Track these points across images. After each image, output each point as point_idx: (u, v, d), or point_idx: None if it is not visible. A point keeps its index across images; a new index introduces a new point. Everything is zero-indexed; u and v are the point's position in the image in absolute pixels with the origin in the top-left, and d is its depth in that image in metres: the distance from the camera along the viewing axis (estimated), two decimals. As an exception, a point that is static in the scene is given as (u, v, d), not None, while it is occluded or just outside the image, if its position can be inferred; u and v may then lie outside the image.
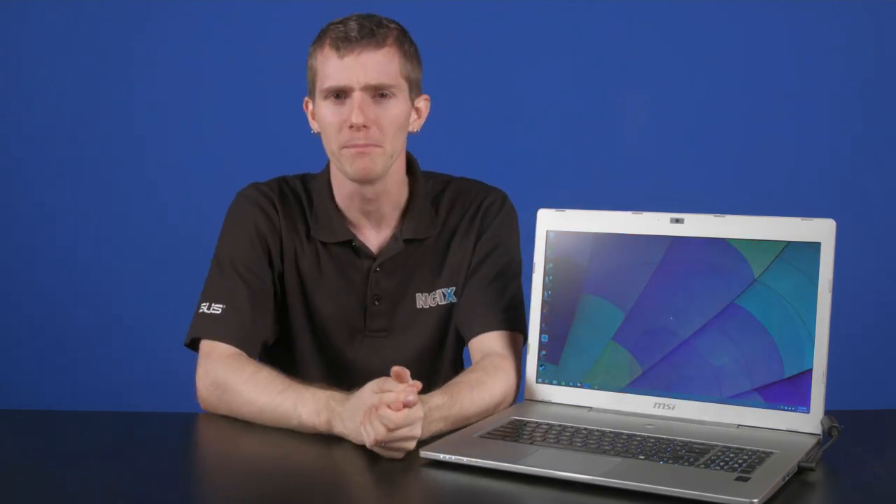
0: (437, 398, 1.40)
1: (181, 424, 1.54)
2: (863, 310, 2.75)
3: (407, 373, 1.30)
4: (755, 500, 1.07)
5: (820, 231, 1.33)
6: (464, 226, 1.70)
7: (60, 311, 2.89)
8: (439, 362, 1.72)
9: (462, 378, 1.49)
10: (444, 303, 1.69)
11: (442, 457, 1.23)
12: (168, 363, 2.92)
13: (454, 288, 1.69)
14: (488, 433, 1.32)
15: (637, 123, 2.87)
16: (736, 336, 1.36)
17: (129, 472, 1.25)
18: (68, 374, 2.85)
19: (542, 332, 1.48)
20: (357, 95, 1.54)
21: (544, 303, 1.49)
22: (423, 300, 1.68)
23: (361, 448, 1.31)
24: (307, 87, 1.63)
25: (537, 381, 1.48)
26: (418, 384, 1.30)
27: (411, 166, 1.71)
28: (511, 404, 1.52)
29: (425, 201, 1.69)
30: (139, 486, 1.20)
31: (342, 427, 1.36)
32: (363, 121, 1.53)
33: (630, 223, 1.45)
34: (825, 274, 1.32)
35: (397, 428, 1.26)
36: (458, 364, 1.76)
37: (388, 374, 1.34)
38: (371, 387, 1.32)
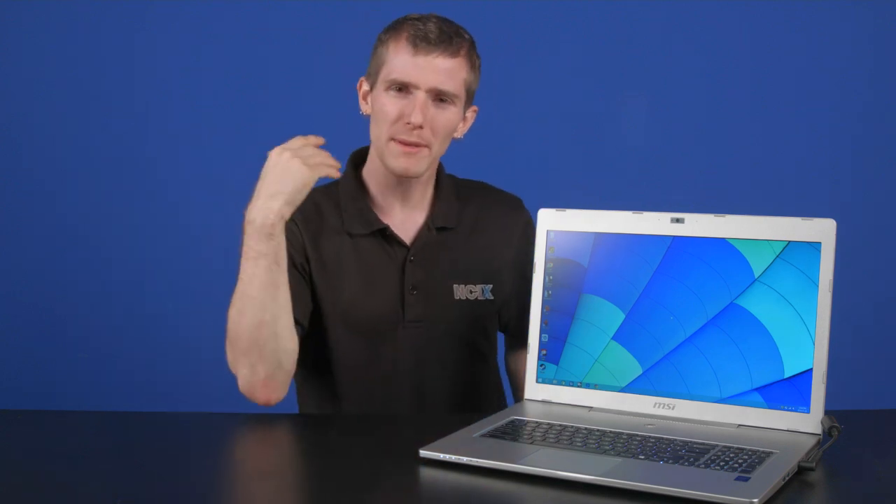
0: None
1: (181, 424, 1.54)
2: (863, 310, 2.75)
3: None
4: (755, 500, 1.07)
5: (820, 231, 1.33)
6: (494, 226, 1.73)
7: (61, 311, 2.89)
8: (478, 358, 1.72)
9: None
10: (482, 298, 1.69)
11: (442, 456, 1.23)
12: (169, 363, 2.93)
13: (491, 286, 1.70)
14: (488, 433, 1.32)
15: (638, 123, 2.87)
16: (736, 336, 1.36)
17: (129, 472, 1.25)
18: (68, 374, 2.85)
19: (542, 332, 1.48)
20: (421, 95, 1.58)
21: (544, 303, 1.49)
22: (460, 291, 1.68)
23: (361, 448, 1.30)
24: (368, 68, 1.65)
25: (537, 381, 1.48)
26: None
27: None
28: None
29: (451, 192, 1.73)
30: (139, 486, 1.20)
31: (276, 202, 1.48)
32: (422, 121, 1.57)
33: (630, 223, 1.45)
34: (825, 274, 1.32)
35: None
36: (495, 364, 1.78)
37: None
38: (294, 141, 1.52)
